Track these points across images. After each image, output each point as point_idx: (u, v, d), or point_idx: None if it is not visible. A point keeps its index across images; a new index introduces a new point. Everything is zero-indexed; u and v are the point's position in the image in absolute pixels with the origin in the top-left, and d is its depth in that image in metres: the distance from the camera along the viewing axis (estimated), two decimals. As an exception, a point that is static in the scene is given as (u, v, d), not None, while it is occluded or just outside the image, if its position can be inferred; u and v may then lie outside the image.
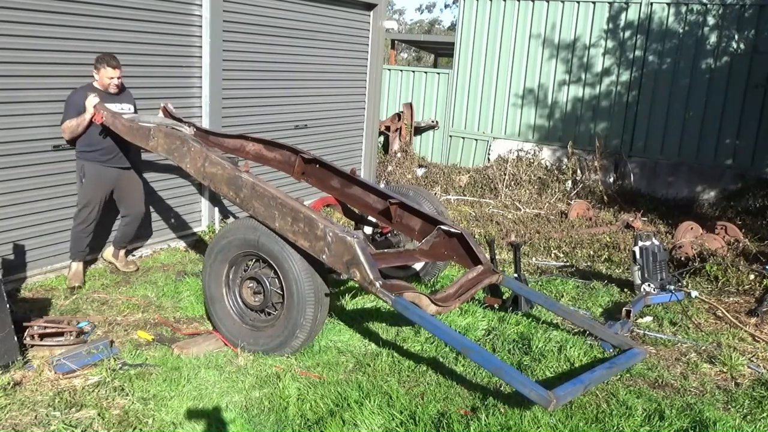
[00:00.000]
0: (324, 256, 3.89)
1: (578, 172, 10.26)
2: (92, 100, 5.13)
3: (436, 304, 3.85)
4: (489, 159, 11.22)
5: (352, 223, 5.74)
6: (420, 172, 11.15)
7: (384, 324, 4.72)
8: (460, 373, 4.02)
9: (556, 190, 9.94)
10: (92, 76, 5.26)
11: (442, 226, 4.47)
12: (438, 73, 11.97)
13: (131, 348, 4.28)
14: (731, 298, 5.59)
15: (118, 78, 5.27)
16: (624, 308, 4.82)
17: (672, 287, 5.45)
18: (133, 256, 6.20)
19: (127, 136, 5.12)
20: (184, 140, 4.73)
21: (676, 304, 5.29)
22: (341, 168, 5.20)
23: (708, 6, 9.56)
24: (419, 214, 4.69)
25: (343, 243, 3.80)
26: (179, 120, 5.77)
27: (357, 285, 4.24)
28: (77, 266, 5.46)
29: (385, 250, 4.50)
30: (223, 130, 6.89)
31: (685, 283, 5.77)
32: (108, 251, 5.84)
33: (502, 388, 3.83)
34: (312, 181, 5.33)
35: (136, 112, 5.53)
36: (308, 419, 3.49)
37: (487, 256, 4.63)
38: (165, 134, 4.89)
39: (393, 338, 4.55)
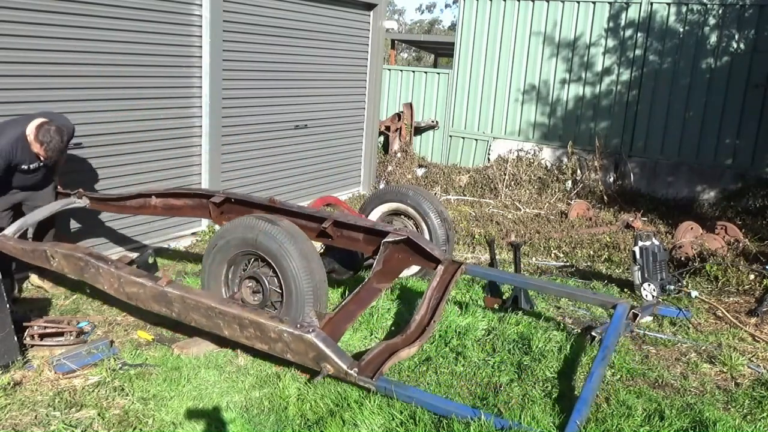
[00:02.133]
0: (289, 356, 3.66)
1: (578, 171, 10.26)
2: None
3: (411, 346, 3.77)
4: (489, 159, 11.22)
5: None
6: (420, 172, 11.15)
7: (384, 323, 4.72)
8: (460, 373, 4.02)
9: (556, 190, 9.94)
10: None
11: (387, 238, 4.31)
12: (438, 73, 11.97)
13: (131, 348, 4.28)
14: (731, 298, 5.59)
15: (41, 161, 4.65)
16: (632, 310, 4.81)
17: (673, 288, 5.45)
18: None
19: (23, 258, 4.60)
20: (87, 261, 4.26)
21: (677, 303, 5.29)
22: (259, 200, 4.90)
23: (708, 6, 9.56)
24: (356, 227, 4.57)
25: (302, 341, 3.55)
26: (68, 194, 5.23)
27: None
28: None
29: (343, 303, 3.99)
30: (223, 130, 6.92)
31: (685, 283, 5.77)
32: (33, 276, 5.26)
33: (502, 388, 3.83)
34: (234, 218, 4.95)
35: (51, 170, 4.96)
36: (308, 419, 3.49)
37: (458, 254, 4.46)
38: (64, 256, 4.39)
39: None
